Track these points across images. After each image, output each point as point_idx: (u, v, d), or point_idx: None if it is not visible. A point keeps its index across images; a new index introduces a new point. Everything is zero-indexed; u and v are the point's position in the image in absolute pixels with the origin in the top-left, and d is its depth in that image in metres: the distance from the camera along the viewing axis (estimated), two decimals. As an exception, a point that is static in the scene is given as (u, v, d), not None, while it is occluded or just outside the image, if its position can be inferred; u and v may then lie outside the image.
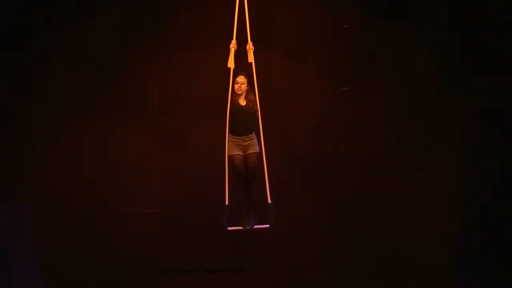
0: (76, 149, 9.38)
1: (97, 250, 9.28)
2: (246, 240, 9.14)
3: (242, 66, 7.52)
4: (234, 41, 7.43)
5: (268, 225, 7.30)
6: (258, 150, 7.38)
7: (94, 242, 9.28)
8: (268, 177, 7.30)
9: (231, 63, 7.37)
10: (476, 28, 9.21)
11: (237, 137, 7.36)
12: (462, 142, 9.26)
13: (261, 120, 7.45)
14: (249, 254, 9.37)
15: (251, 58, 7.43)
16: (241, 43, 7.51)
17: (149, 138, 9.45)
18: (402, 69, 9.40)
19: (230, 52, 7.39)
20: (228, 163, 7.34)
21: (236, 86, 7.37)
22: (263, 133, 7.44)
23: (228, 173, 7.34)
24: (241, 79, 7.39)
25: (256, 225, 7.32)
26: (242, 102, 7.42)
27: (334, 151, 9.45)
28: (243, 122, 7.37)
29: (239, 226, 7.32)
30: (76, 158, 9.37)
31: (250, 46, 7.44)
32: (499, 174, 9.13)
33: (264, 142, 7.44)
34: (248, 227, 7.26)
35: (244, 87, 7.39)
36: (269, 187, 7.31)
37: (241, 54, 7.53)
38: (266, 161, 7.37)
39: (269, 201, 7.29)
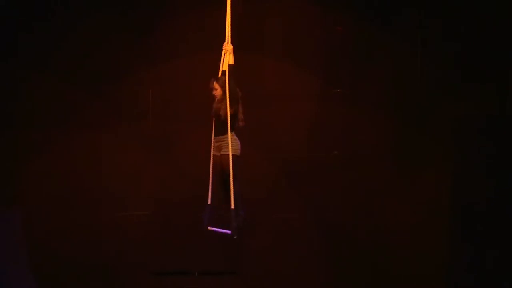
0: (67, 154, 9.35)
1: (88, 253, 9.24)
2: (238, 244, 9.13)
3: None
4: (226, 44, 7.36)
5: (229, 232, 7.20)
6: (229, 152, 7.33)
7: (85, 246, 9.24)
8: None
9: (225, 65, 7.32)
10: (471, 32, 9.22)
11: (215, 137, 7.42)
12: (455, 147, 9.26)
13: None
14: (240, 257, 9.37)
15: (230, 60, 7.32)
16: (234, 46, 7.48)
17: (140, 143, 9.44)
18: (396, 72, 9.40)
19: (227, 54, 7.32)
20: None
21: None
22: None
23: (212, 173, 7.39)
24: (212, 84, 7.41)
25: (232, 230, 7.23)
26: (217, 104, 7.44)
27: (327, 155, 9.45)
28: (216, 124, 7.43)
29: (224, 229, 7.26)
30: (67, 163, 9.35)
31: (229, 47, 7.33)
32: (493, 178, 9.12)
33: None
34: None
35: (216, 92, 7.38)
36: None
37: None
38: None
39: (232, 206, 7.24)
